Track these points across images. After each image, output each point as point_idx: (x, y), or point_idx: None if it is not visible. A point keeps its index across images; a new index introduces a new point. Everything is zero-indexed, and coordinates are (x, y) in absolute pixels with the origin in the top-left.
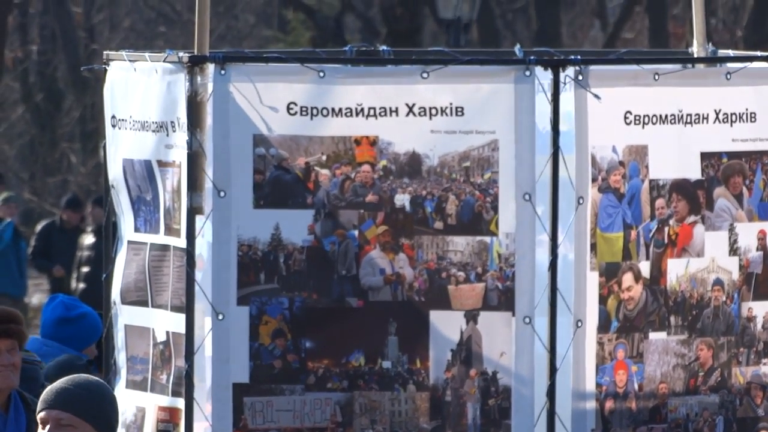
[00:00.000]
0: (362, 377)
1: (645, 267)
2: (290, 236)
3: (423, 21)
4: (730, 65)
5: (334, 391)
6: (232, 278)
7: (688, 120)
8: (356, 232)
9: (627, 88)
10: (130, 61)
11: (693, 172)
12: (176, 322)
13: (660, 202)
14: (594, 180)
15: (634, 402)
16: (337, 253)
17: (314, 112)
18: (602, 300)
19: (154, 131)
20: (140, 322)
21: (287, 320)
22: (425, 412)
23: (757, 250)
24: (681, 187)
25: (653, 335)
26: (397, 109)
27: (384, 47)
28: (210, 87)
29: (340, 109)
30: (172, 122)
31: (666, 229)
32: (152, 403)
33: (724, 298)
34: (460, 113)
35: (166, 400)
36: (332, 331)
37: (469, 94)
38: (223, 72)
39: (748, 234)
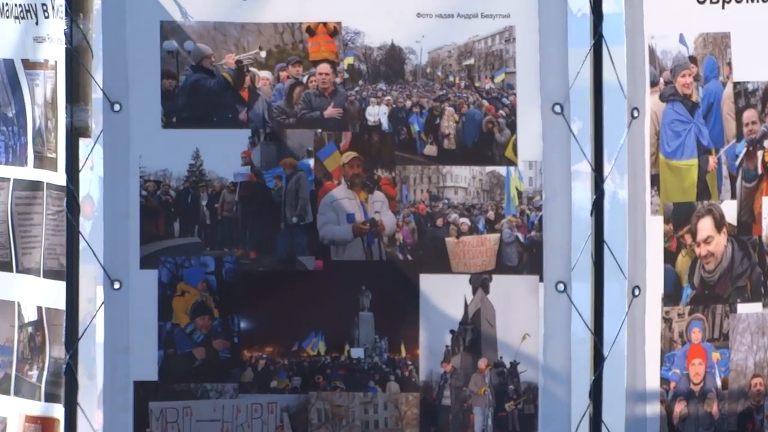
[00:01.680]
0: (322, 372)
1: (730, 209)
2: (216, 168)
3: None
4: None
5: (281, 391)
6: (133, 230)
7: None
8: (311, 162)
9: None
10: None
11: None
12: (52, 294)
13: (750, 115)
14: (654, 84)
15: (716, 404)
16: (284, 192)
17: None
18: (669, 257)
19: (17, 18)
20: None
21: (213, 290)
22: (413, 422)
23: None
24: None
25: (743, 308)
26: None
27: None
28: None
29: None
30: (43, 4)
31: (760, 153)
32: (16, 412)
33: None
34: None
35: (36, 407)
36: (279, 304)
37: None
38: None
39: None
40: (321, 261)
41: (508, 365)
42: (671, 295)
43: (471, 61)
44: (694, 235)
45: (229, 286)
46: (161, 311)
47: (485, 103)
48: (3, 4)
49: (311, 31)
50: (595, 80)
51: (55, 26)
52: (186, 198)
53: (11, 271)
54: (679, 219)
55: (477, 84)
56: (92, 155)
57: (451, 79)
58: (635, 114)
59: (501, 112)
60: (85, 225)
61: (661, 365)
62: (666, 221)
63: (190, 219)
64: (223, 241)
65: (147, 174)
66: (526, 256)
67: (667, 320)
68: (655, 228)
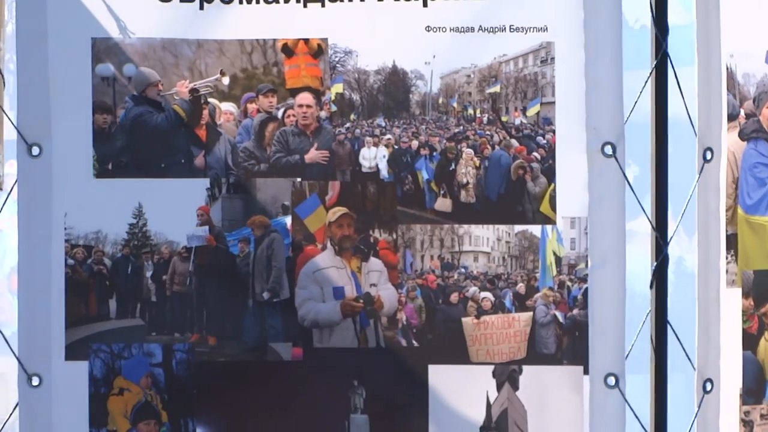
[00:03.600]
0: None
1: None
2: (164, 229)
3: None
4: None
5: None
6: (56, 310)
7: None
8: (288, 220)
9: None
10: None
11: None
12: None
13: None
14: (733, 117)
15: None
16: (252, 259)
17: None
18: (749, 342)
19: None
20: None
21: (161, 387)
22: None
23: None
24: None
25: None
26: None
27: None
28: None
29: None
30: None
31: None
32: None
33: None
34: None
35: None
36: (246, 406)
37: None
38: None
39: None
40: (300, 349)
41: None
42: (752, 391)
43: (496, 88)
44: None
45: (181, 382)
46: (93, 415)
47: (514, 143)
48: None
49: (288, 50)
50: (658, 113)
51: None
52: (125, 268)
53: None
54: (762, 292)
55: (504, 118)
56: (2, 213)
57: (470, 111)
58: (708, 156)
59: (535, 154)
60: None
61: None
62: (745, 295)
63: (130, 295)
64: (174, 323)
65: (74, 237)
66: (566, 342)
67: (747, 423)
68: (732, 304)
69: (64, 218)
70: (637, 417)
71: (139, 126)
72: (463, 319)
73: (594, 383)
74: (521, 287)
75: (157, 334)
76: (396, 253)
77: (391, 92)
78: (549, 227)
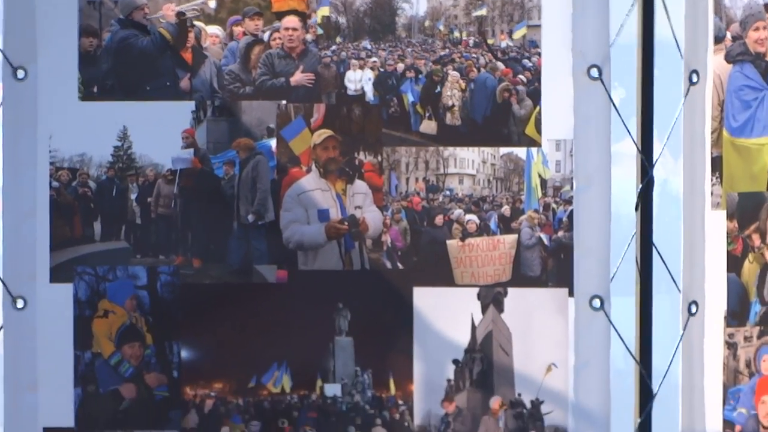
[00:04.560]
0: (287, 415)
1: None
2: (149, 152)
3: None
4: None
5: None
6: (41, 232)
7: None
8: (273, 143)
9: None
10: None
11: None
12: None
13: None
14: (719, 40)
15: None
16: (237, 182)
17: None
18: (733, 264)
19: None
20: None
21: (145, 309)
22: None
23: None
24: None
25: None
26: None
27: None
28: None
29: None
30: None
31: None
32: None
33: None
34: None
35: None
36: (230, 328)
37: None
38: None
39: None
40: (285, 271)
41: (528, 405)
42: (736, 314)
43: (483, 12)
44: (763, 234)
45: (166, 305)
46: (78, 337)
47: (500, 66)
48: None
49: None
50: (644, 35)
51: None
52: (110, 191)
53: None
54: (746, 214)
55: (490, 41)
56: None
57: (456, 35)
58: (694, 79)
59: (521, 77)
60: None
61: (724, 404)
62: (730, 217)
63: (115, 218)
64: (158, 246)
65: (59, 160)
66: (551, 264)
67: (731, 345)
68: (717, 226)
69: (49, 141)
70: (621, 339)
71: (125, 49)
72: (448, 242)
73: (579, 305)
74: (506, 210)
75: (141, 257)
76: (381, 175)
77: (377, 15)
78: (534, 150)
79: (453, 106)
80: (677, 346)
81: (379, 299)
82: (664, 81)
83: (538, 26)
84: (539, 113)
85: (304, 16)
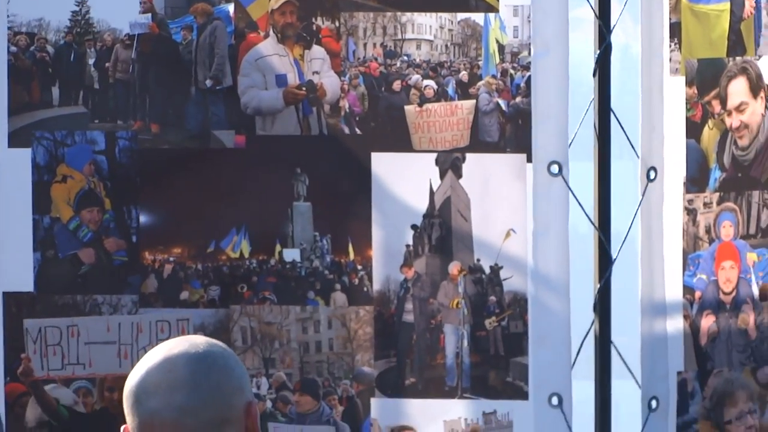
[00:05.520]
0: (246, 280)
1: None
2: (107, 16)
3: None
4: None
5: (195, 305)
6: None
7: None
8: (231, 7)
9: None
10: None
11: None
12: None
13: None
14: None
15: (753, 319)
16: (195, 47)
17: None
18: (692, 130)
19: None
20: None
21: (104, 174)
22: (365, 344)
23: None
24: None
25: None
26: None
27: None
28: None
29: None
30: None
31: None
32: None
33: None
34: None
35: None
36: (189, 193)
37: None
38: None
39: None
40: (243, 136)
41: (487, 270)
42: (695, 180)
43: None
44: (723, 101)
45: (124, 169)
46: (36, 202)
47: None
48: None
49: None
50: None
51: None
52: (68, 56)
53: None
54: (706, 80)
55: None
56: None
57: None
58: None
59: None
60: None
61: (684, 270)
62: (689, 83)
63: (73, 83)
64: (117, 111)
65: (17, 24)
66: (509, 129)
67: (690, 211)
68: (675, 92)
69: (6, 5)
70: (580, 204)
71: None
72: (406, 107)
73: (537, 171)
74: (464, 75)
75: (99, 122)
76: (339, 40)
77: None
78: (492, 15)
79: None
80: (636, 212)
81: (337, 164)
82: None
83: None
84: None
85: None
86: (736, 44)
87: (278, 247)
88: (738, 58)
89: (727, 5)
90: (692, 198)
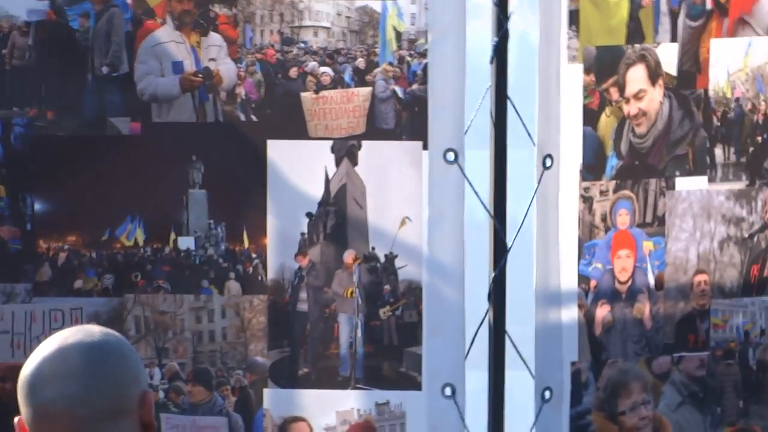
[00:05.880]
0: (140, 268)
1: (669, 54)
2: (5, 3)
3: None
4: None
5: (88, 294)
6: None
7: None
8: None
9: None
10: None
11: None
12: None
13: None
14: None
15: (648, 309)
16: (92, 33)
17: None
18: (590, 118)
19: None
20: None
21: None
22: (259, 333)
23: None
24: None
25: (684, 183)
26: None
27: None
28: None
29: None
30: None
31: None
32: None
33: None
34: None
35: None
36: (84, 180)
37: None
38: None
39: None
40: (139, 123)
41: (382, 259)
42: (592, 167)
43: None
44: (621, 88)
45: (19, 156)
46: None
47: None
48: None
49: None
50: None
51: None
52: None
53: None
54: (604, 68)
55: None
56: None
57: None
58: None
59: None
60: None
61: (579, 258)
62: (586, 71)
63: None
64: (12, 97)
65: None
66: (405, 117)
67: (586, 199)
68: (573, 79)
69: None
70: (475, 192)
71: None
72: (302, 94)
73: (433, 159)
74: (361, 62)
75: None
76: (236, 27)
77: None
78: (389, 2)
79: None
80: (532, 200)
81: (233, 152)
82: None
83: None
84: None
85: None
86: (635, 31)
87: (173, 235)
88: (637, 46)
89: None
90: (588, 186)
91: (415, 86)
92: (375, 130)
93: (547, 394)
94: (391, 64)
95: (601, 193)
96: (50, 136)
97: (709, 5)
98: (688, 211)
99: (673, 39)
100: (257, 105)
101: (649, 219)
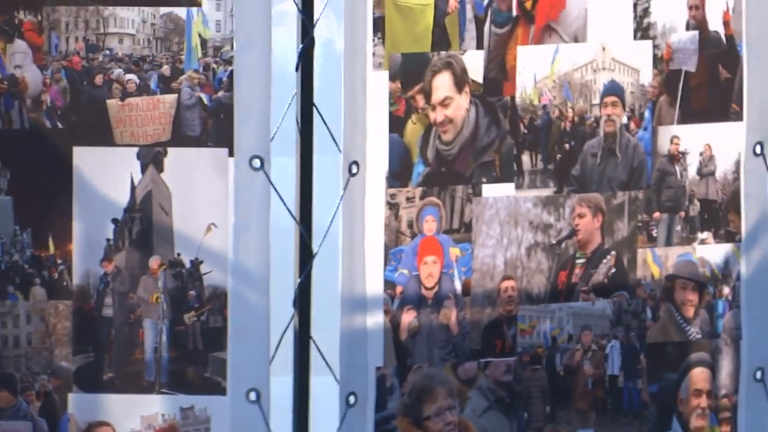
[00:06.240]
0: None
1: (475, 61)
2: None
3: None
4: None
5: None
6: None
7: None
8: None
9: None
10: None
11: None
12: None
13: None
14: None
15: (455, 315)
16: None
17: None
18: (396, 125)
19: None
20: None
21: None
22: (64, 338)
23: (689, 27)
24: None
25: (491, 190)
26: None
27: None
28: None
29: None
30: None
31: None
32: None
33: (625, 120)
34: None
35: None
36: None
37: None
38: None
39: None
40: None
41: (188, 264)
42: (398, 174)
43: None
44: (428, 95)
45: None
46: None
47: None
48: None
49: None
50: None
51: None
52: None
53: None
54: (410, 75)
55: None
56: None
57: None
58: None
59: None
60: None
61: (386, 264)
62: (392, 78)
63: None
64: None
65: None
66: (211, 124)
67: (392, 206)
68: (378, 86)
69: None
70: (281, 198)
71: None
72: (108, 101)
73: (239, 165)
74: (166, 69)
75: None
76: (41, 34)
77: None
78: (194, 9)
79: None
80: (337, 207)
81: (39, 159)
82: None
83: None
84: None
85: None
86: (441, 39)
87: None
88: (443, 53)
89: (431, 0)
90: (395, 192)
91: (221, 93)
92: (181, 137)
93: (351, 399)
94: (196, 71)
95: (408, 199)
96: None
97: (515, 12)
98: (495, 218)
99: (479, 46)
100: (63, 112)
101: (456, 225)
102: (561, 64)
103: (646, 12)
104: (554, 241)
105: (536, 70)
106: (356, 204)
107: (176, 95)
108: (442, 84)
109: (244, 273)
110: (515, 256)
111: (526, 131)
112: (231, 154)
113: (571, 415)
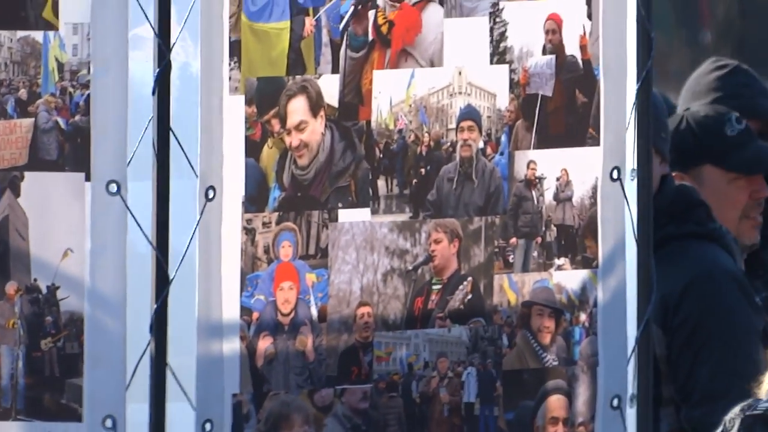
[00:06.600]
0: None
1: (331, 85)
2: None
3: None
4: None
5: None
6: None
7: None
8: None
9: None
10: None
11: None
12: None
13: None
14: None
15: (311, 341)
16: None
17: None
18: (252, 149)
19: None
20: None
21: None
22: None
23: (546, 52)
24: None
25: (347, 215)
26: None
27: None
28: None
29: None
30: None
31: (371, 14)
32: None
33: (481, 144)
34: None
35: None
36: None
37: None
38: None
39: (526, 19)
40: None
41: (44, 290)
42: (254, 199)
43: None
44: (283, 120)
45: None
46: None
47: None
48: None
49: None
50: None
51: None
52: None
53: None
54: (265, 99)
55: None
56: None
57: None
58: None
59: None
60: None
61: (242, 290)
62: (248, 102)
63: None
64: None
65: None
66: (68, 148)
67: (249, 231)
68: (235, 110)
69: None
70: (138, 223)
71: None
72: None
73: (95, 190)
74: (23, 93)
75: None
76: None
77: None
78: (51, 33)
79: None
80: (194, 232)
81: None
82: None
83: None
84: None
85: None
86: (296, 63)
87: None
88: (298, 77)
89: (288, 23)
90: (251, 217)
91: (77, 117)
92: (38, 162)
93: (208, 426)
94: (53, 95)
95: (264, 224)
96: None
97: (371, 36)
98: (351, 243)
99: (335, 70)
100: None
101: (312, 251)
102: (417, 88)
103: (502, 36)
104: (410, 267)
105: (392, 94)
106: (213, 229)
107: (33, 119)
108: (297, 108)
109: (100, 298)
110: (371, 281)
111: (381, 156)
112: (88, 178)
113: None
